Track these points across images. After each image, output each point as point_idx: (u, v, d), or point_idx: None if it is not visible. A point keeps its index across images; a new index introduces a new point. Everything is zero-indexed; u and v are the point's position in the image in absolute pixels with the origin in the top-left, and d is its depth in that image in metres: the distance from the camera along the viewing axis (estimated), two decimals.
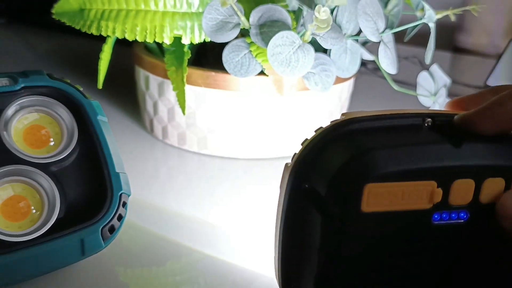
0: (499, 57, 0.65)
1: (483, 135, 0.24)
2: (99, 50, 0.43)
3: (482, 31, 0.91)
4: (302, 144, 0.25)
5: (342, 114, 0.24)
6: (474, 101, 0.26)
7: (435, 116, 0.24)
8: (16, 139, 0.29)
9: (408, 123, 0.24)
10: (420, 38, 0.47)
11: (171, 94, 0.46)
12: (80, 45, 0.74)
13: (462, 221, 0.23)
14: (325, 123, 0.25)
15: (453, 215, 0.23)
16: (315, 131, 0.25)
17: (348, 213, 0.22)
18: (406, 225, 0.23)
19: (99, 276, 0.31)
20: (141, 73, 0.48)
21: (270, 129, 0.46)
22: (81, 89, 0.31)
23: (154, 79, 0.46)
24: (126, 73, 0.54)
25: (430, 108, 0.45)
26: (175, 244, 0.35)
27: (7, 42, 0.82)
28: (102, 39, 0.43)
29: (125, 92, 0.56)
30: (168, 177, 0.47)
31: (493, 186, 0.23)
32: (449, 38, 1.00)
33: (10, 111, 0.29)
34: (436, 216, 0.23)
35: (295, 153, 0.25)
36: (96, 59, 0.43)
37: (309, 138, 0.24)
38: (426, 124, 0.24)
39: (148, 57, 0.46)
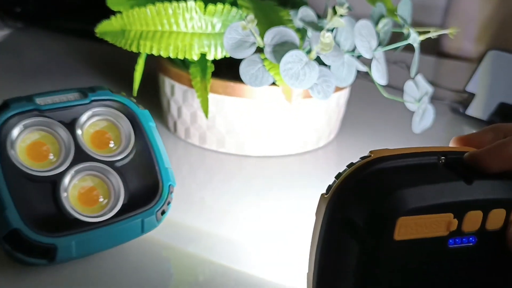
0: (477, 64, 0.72)
1: (489, 172, 0.27)
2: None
3: (466, 37, 0.97)
4: (336, 178, 0.28)
5: (370, 152, 0.28)
6: (477, 139, 0.30)
7: (447, 154, 0.28)
8: (86, 141, 0.36)
9: (426, 162, 0.28)
10: (408, 45, 0.54)
11: (194, 100, 0.53)
12: (93, 48, 0.78)
13: (471, 244, 0.27)
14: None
15: (464, 240, 0.27)
16: (347, 166, 0.28)
17: (383, 242, 0.26)
18: (428, 250, 0.27)
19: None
20: (167, 82, 0.55)
21: (278, 130, 0.54)
22: (135, 100, 0.39)
23: (179, 87, 0.54)
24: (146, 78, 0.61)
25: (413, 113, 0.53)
26: (195, 228, 0.42)
27: (24, 45, 0.86)
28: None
29: (147, 95, 0.63)
30: (189, 171, 0.54)
31: (496, 216, 0.27)
32: (434, 42, 1.06)
33: (83, 118, 0.36)
34: (451, 241, 0.27)
35: (329, 185, 0.28)
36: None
37: (342, 172, 0.28)
38: (440, 162, 0.28)
39: (173, 68, 0.54)
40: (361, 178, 0.27)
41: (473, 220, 0.27)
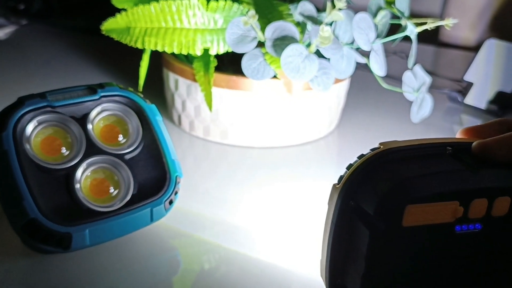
0: (475, 53, 0.73)
1: (498, 161, 0.28)
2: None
3: (464, 26, 0.98)
4: (347, 168, 0.30)
5: (380, 144, 0.30)
6: (483, 130, 0.31)
7: (454, 144, 0.30)
8: (96, 135, 0.38)
9: (433, 152, 0.29)
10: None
11: (198, 94, 0.55)
12: (96, 44, 0.80)
13: (477, 230, 0.28)
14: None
15: (470, 226, 0.28)
16: (358, 158, 0.30)
17: (392, 228, 0.27)
18: (435, 235, 0.28)
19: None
20: (171, 76, 0.57)
21: (280, 122, 0.55)
22: (142, 95, 0.40)
23: (183, 82, 0.55)
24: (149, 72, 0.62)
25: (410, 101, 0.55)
26: (201, 216, 0.44)
27: (28, 42, 0.87)
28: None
29: (151, 89, 0.65)
30: (194, 163, 0.56)
31: (502, 203, 0.28)
32: (433, 32, 1.06)
33: (93, 114, 0.38)
34: (457, 227, 0.28)
35: (341, 176, 0.30)
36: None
37: (353, 163, 0.30)
38: (447, 152, 0.29)
39: (177, 63, 0.55)
40: (371, 168, 0.29)
41: (478, 207, 0.28)
